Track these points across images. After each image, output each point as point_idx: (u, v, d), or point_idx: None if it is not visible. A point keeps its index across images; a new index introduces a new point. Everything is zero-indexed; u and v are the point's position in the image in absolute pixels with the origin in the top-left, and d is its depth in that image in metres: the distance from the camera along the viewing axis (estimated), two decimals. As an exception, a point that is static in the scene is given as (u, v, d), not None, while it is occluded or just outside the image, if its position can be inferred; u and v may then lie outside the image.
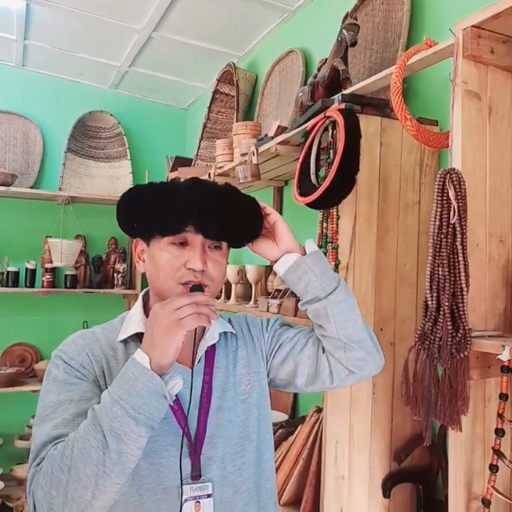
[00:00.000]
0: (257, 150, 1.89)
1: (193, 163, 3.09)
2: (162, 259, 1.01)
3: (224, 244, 1.06)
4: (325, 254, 1.51)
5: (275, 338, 1.18)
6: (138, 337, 1.05)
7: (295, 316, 1.69)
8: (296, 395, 2.31)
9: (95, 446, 0.84)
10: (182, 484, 0.97)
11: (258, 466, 1.09)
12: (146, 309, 1.10)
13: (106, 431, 0.84)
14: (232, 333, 1.16)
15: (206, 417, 1.05)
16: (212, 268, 1.02)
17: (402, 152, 1.57)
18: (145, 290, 1.15)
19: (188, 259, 1.00)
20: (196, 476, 1.00)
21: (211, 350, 1.11)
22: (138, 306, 1.11)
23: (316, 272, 1.05)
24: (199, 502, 0.99)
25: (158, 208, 0.99)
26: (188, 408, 1.01)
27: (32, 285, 3.35)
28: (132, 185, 1.09)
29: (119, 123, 3.65)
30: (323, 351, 1.11)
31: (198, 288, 0.99)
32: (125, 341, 1.06)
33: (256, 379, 1.13)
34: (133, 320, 1.08)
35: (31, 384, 3.25)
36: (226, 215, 1.00)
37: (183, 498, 0.97)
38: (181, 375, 0.94)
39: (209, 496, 1.00)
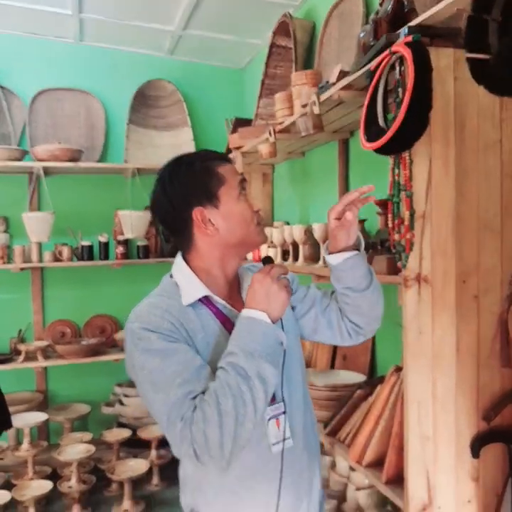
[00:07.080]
0: (318, 98, 1.78)
1: (253, 123, 3.01)
2: (242, 209, 1.18)
3: None
4: (398, 203, 1.42)
5: (303, 297, 1.35)
6: (200, 300, 1.16)
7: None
8: (373, 354, 2.23)
9: (246, 390, 1.01)
10: None
11: (304, 383, 1.30)
12: (197, 272, 1.19)
13: (253, 377, 1.02)
14: None
15: None
16: None
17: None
18: (179, 255, 1.23)
19: (250, 204, 1.20)
20: (272, 399, 1.17)
21: None
22: (187, 271, 1.19)
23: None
24: (278, 419, 1.19)
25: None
26: None
27: (106, 258, 3.44)
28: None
29: (178, 89, 3.61)
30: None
31: (270, 260, 1.17)
32: (192, 304, 1.15)
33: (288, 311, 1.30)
34: (194, 285, 1.17)
35: (113, 353, 3.39)
36: None
37: (267, 417, 1.17)
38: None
39: (284, 412, 1.20)
